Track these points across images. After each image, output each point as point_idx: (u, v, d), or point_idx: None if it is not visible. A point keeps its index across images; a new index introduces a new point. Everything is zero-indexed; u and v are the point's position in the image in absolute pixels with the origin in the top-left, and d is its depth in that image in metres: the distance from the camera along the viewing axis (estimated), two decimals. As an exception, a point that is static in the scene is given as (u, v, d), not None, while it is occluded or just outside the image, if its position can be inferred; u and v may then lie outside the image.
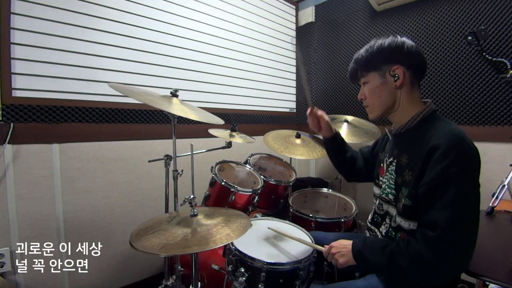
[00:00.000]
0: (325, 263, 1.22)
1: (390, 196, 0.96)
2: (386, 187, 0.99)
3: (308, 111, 1.26)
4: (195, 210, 1.03)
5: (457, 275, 0.78)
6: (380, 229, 1.02)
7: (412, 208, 0.85)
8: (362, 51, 0.99)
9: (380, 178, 1.06)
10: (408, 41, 0.92)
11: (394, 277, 0.84)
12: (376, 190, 1.09)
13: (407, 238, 0.85)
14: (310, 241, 1.20)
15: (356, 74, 1.01)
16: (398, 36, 0.93)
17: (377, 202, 1.05)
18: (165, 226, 0.95)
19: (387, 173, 1.00)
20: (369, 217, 1.12)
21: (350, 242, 0.94)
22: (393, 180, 0.95)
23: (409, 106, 0.93)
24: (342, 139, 1.32)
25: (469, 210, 0.75)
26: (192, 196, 1.05)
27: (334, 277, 1.32)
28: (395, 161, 0.97)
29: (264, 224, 1.39)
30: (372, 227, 1.07)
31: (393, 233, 0.92)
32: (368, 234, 1.10)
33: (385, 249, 0.82)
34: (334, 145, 1.31)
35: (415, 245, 0.77)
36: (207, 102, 2.13)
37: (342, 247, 0.94)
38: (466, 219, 0.74)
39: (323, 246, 1.02)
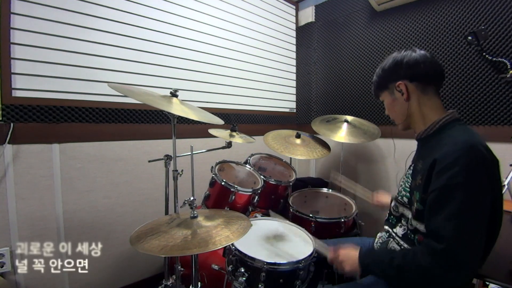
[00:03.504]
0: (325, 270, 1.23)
1: (405, 199, 0.97)
2: (402, 189, 1.00)
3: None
4: (195, 212, 1.03)
5: (464, 283, 0.78)
6: (395, 229, 1.02)
7: (424, 212, 0.85)
8: (375, 74, 1.06)
9: (400, 181, 1.09)
10: (410, 54, 0.95)
11: (402, 284, 0.86)
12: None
13: (421, 241, 0.87)
14: (311, 242, 1.20)
15: (376, 95, 1.09)
16: (402, 51, 0.97)
17: (393, 203, 1.07)
18: (165, 228, 0.95)
19: (405, 176, 1.02)
20: (385, 218, 1.12)
21: (357, 252, 0.95)
22: (408, 183, 0.97)
23: (425, 113, 0.96)
24: None
25: (476, 221, 0.74)
26: (192, 198, 1.05)
27: (334, 278, 1.32)
28: (413, 165, 1.01)
29: (264, 224, 1.40)
30: (386, 227, 1.07)
31: (412, 235, 0.93)
32: (381, 234, 1.10)
33: (392, 263, 0.83)
34: None
35: (422, 259, 0.77)
36: (207, 102, 2.13)
37: (348, 258, 0.96)
38: (472, 230, 0.74)
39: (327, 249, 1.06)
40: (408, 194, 0.96)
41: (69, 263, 1.54)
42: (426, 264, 0.76)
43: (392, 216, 1.06)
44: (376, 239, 1.12)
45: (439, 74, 0.96)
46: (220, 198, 1.51)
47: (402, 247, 0.95)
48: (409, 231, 0.94)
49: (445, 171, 0.77)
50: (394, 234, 1.02)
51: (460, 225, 0.73)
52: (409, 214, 0.95)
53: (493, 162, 0.81)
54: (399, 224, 1.00)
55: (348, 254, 0.97)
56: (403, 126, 1.04)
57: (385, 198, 1.36)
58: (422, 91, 0.95)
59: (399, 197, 1.01)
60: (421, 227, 0.88)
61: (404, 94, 0.96)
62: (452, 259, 0.73)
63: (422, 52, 0.95)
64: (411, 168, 1.01)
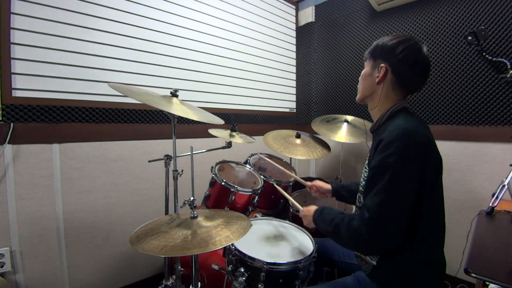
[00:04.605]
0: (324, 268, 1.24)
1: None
2: (362, 180, 1.04)
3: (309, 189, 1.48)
4: (195, 212, 1.03)
5: (386, 248, 0.88)
6: None
7: None
8: (379, 39, 1.03)
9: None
10: (414, 48, 0.93)
11: (337, 242, 0.98)
12: None
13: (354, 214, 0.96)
14: (312, 242, 1.20)
15: (364, 58, 1.08)
16: (412, 41, 0.95)
17: (357, 196, 1.10)
18: (166, 228, 0.95)
19: (364, 168, 1.07)
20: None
21: (315, 208, 1.09)
22: (366, 173, 1.01)
23: (383, 105, 1.01)
24: (340, 188, 1.39)
25: (398, 198, 0.83)
26: (192, 198, 1.06)
27: (334, 277, 1.32)
28: (368, 155, 1.04)
29: (264, 224, 1.40)
30: None
31: None
32: None
33: (332, 221, 0.95)
34: (339, 197, 1.40)
35: (355, 222, 0.88)
36: (207, 102, 2.13)
37: (307, 213, 1.11)
38: (394, 205, 0.83)
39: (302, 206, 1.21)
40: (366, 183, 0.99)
41: (69, 263, 1.55)
42: (356, 226, 0.87)
43: (357, 208, 1.10)
44: None
45: (416, 86, 0.99)
46: (220, 198, 1.51)
47: None
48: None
49: (380, 152, 0.86)
50: None
51: (383, 200, 0.83)
52: None
53: (433, 154, 0.88)
54: None
55: (308, 209, 1.12)
56: (360, 99, 1.09)
57: (322, 183, 1.44)
58: (393, 86, 0.98)
59: (361, 188, 1.04)
60: None
61: (379, 77, 0.98)
62: (375, 226, 0.83)
63: (426, 55, 0.94)
64: (367, 158, 1.04)
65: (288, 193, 1.77)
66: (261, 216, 1.53)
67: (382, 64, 0.97)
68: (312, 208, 1.10)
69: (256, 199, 1.58)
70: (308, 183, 1.46)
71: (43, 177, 1.45)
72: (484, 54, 1.73)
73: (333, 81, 2.67)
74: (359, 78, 1.08)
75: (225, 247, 1.21)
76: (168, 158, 1.29)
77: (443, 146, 1.28)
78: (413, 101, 2.09)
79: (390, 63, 0.96)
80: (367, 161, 1.04)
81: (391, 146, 0.84)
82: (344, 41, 2.56)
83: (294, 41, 2.89)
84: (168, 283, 1.33)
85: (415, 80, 0.97)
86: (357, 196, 1.09)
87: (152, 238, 0.89)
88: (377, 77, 0.98)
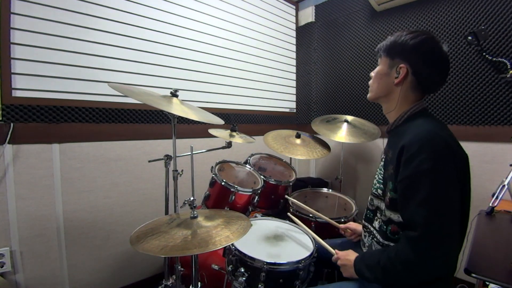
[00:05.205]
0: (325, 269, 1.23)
1: (379, 191, 0.98)
2: (376, 182, 1.01)
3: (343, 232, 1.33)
4: (195, 212, 1.03)
5: (448, 269, 0.80)
6: (373, 224, 1.02)
7: (397, 201, 0.86)
8: (397, 35, 0.94)
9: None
10: (435, 46, 0.89)
11: (393, 283, 0.86)
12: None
13: (397, 230, 0.88)
14: (312, 242, 1.20)
15: (378, 54, 1.01)
16: (434, 39, 0.90)
17: (369, 198, 1.07)
18: (165, 228, 0.95)
19: (378, 169, 1.03)
20: (364, 215, 1.13)
21: (354, 256, 0.97)
22: (381, 175, 0.97)
23: (401, 106, 0.97)
24: None
25: (446, 205, 0.76)
26: (192, 198, 1.06)
27: (334, 278, 1.32)
28: (384, 156, 1.00)
29: (264, 224, 1.40)
30: (366, 223, 1.08)
31: (385, 227, 0.93)
32: (363, 231, 1.10)
33: (379, 264, 0.84)
34: None
35: (402, 252, 0.79)
36: (207, 102, 2.13)
37: (347, 262, 0.98)
38: (444, 214, 0.75)
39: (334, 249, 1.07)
40: (382, 186, 0.96)
41: (69, 263, 1.55)
42: (406, 255, 0.77)
43: (368, 211, 1.07)
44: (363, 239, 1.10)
45: (436, 87, 0.95)
46: (220, 198, 1.51)
47: (381, 244, 0.94)
48: (382, 223, 0.95)
49: (411, 160, 0.79)
50: (372, 229, 1.02)
51: (431, 210, 0.75)
52: (383, 205, 0.95)
53: (459, 154, 0.84)
54: (376, 218, 1.01)
55: (346, 258, 0.99)
56: (373, 98, 1.03)
57: (355, 225, 1.31)
58: (412, 88, 0.93)
59: (374, 190, 1.02)
60: (394, 216, 0.89)
61: (399, 79, 0.92)
62: (429, 244, 0.75)
63: (446, 54, 0.89)
64: (383, 159, 1.00)
65: (288, 193, 1.78)
66: (261, 216, 1.53)
67: (402, 65, 0.91)
68: (351, 256, 0.98)
69: (256, 199, 1.58)
70: (342, 225, 1.33)
71: (43, 177, 1.45)
72: (484, 54, 1.73)
73: (333, 81, 2.67)
74: (371, 75, 1.03)
75: (225, 247, 1.21)
76: (168, 158, 1.29)
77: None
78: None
79: (412, 64, 0.90)
80: (382, 163, 0.99)
81: (422, 151, 0.78)
82: (344, 41, 2.56)
83: (294, 41, 2.89)
84: (168, 283, 1.33)
85: (436, 81, 0.92)
86: (369, 198, 1.07)
87: (152, 238, 0.89)
88: (396, 78, 0.93)
